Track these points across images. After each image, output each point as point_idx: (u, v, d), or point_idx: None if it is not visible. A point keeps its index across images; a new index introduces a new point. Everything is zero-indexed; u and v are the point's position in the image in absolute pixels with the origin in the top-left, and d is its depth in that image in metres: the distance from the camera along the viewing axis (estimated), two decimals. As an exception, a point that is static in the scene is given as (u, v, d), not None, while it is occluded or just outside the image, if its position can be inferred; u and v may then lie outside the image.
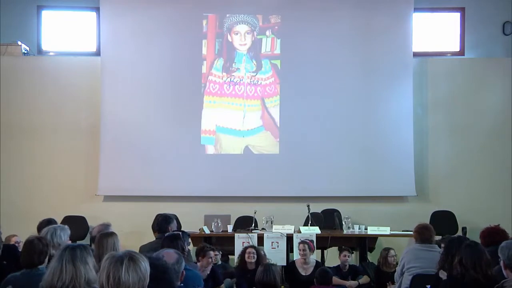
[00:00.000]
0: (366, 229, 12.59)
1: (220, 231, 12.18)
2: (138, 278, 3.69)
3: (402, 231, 12.33)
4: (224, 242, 12.04)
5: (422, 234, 9.04)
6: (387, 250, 11.37)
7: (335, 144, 14.09)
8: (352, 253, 12.09)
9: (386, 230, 12.35)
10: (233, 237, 11.89)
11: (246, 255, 10.42)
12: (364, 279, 10.91)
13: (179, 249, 6.80)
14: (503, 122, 14.04)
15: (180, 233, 7.98)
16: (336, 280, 10.15)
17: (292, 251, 11.56)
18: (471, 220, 13.06)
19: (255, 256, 10.18)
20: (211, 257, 9.59)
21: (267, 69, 14.18)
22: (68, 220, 11.28)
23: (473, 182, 14.19)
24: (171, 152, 14.12)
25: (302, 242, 10.71)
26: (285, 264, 11.06)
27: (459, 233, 12.76)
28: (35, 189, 13.78)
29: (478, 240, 8.19)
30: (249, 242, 11.33)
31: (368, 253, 12.65)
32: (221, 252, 11.66)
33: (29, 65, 14.32)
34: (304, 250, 10.42)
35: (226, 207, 13.28)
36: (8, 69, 14.06)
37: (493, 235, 8.64)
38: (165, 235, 7.95)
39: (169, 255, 5.49)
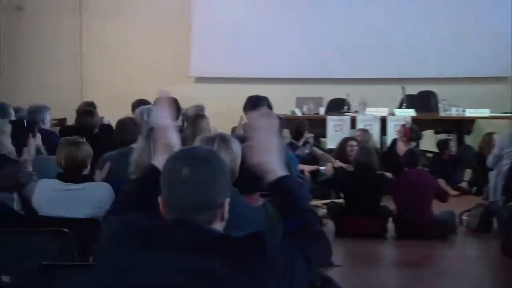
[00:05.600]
0: (463, 111, 12.64)
1: (312, 113, 12.37)
2: (230, 158, 3.61)
3: (502, 113, 12.26)
4: (315, 125, 12.06)
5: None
6: (490, 134, 11.28)
7: (429, 25, 13.95)
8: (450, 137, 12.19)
9: (485, 112, 12.48)
10: (325, 120, 12.05)
11: (348, 148, 10.50)
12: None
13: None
14: None
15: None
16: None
17: (385, 134, 11.77)
18: None
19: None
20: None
21: None
22: (161, 101, 11.54)
23: None
24: (265, 33, 14.06)
25: (403, 125, 10.86)
26: (378, 146, 11.25)
27: None
28: (127, 72, 14.16)
29: None
30: (341, 126, 11.49)
31: (466, 136, 12.73)
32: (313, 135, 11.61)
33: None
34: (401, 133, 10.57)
35: (318, 89, 13.43)
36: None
37: None
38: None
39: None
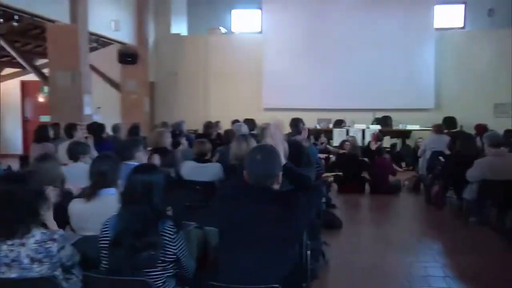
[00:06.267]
0: (405, 126, 12.51)
1: (325, 127, 12.57)
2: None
3: (426, 127, 11.67)
4: (327, 133, 11.94)
5: (437, 127, 9.16)
6: (419, 139, 11.24)
7: (385, 72, 12.99)
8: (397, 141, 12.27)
9: (417, 127, 12.31)
10: (332, 131, 12.19)
11: (345, 145, 10.30)
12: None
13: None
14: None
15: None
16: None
17: (364, 138, 11.77)
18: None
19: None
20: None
21: None
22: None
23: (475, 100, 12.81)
24: (301, 80, 13.28)
25: (374, 133, 10.79)
26: (361, 144, 11.23)
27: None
28: (227, 104, 13.66)
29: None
30: (341, 133, 11.33)
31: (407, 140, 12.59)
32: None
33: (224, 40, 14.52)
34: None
35: (328, 114, 12.84)
36: (213, 43, 14.39)
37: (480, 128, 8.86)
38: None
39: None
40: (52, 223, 2.94)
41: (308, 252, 3.47)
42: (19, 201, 2.59)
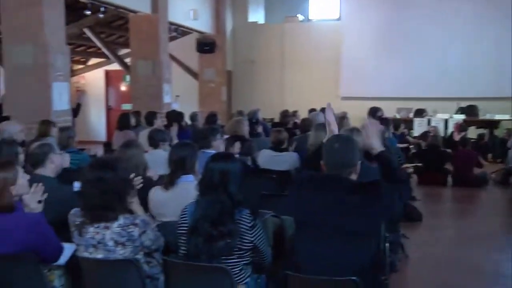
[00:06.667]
0: (493, 116, 11.77)
1: (405, 117, 12.15)
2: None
3: None
4: (407, 123, 11.58)
5: None
6: (509, 129, 10.72)
7: (473, 58, 12.45)
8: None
9: (506, 116, 11.51)
10: (412, 120, 11.77)
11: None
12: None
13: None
14: None
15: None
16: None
17: (447, 128, 11.26)
18: None
19: None
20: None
21: None
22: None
23: None
24: (380, 68, 13.09)
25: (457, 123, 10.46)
26: (443, 135, 10.84)
27: None
28: (303, 93, 13.59)
29: None
30: (422, 123, 10.93)
31: (495, 130, 11.83)
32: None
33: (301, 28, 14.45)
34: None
35: (409, 104, 12.46)
36: (290, 31, 14.32)
37: None
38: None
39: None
40: (139, 209, 3.03)
41: (387, 244, 3.41)
42: (110, 188, 2.68)
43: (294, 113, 9.78)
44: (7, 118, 6.24)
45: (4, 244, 2.69)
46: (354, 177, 2.63)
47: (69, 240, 2.88)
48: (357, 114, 8.90)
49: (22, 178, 2.89)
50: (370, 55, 13.30)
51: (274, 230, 3.40)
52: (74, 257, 2.87)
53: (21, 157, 4.01)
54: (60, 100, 6.97)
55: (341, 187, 2.53)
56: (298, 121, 8.97)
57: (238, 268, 2.74)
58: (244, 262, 2.78)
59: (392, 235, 3.83)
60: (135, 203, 3.02)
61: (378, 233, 2.90)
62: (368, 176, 2.72)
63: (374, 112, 8.05)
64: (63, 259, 2.91)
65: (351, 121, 6.69)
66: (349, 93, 13.15)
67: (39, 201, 2.94)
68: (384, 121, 6.94)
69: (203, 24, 12.65)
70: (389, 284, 3.29)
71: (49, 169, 3.63)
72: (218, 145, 4.88)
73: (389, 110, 11.21)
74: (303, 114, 9.42)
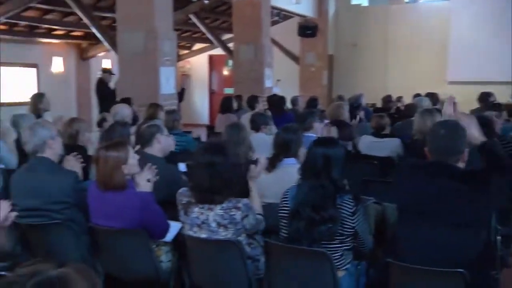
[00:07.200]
0: None
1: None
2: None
3: None
4: None
5: None
6: None
7: None
8: None
9: None
10: None
11: None
12: None
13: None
14: None
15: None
16: None
17: None
18: None
19: None
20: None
21: None
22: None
23: None
24: (488, 53, 12.37)
25: None
26: None
27: None
28: (408, 77, 13.07)
29: None
30: None
31: None
32: None
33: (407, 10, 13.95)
34: None
35: None
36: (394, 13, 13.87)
37: None
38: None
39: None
40: (256, 200, 3.08)
41: (498, 237, 3.24)
42: (219, 173, 2.74)
43: (399, 99, 9.50)
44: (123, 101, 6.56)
45: (118, 220, 2.90)
46: (461, 165, 2.54)
47: (174, 218, 3.01)
48: (466, 100, 8.50)
49: (133, 158, 3.03)
50: (482, 35, 12.63)
51: (375, 217, 3.34)
52: (180, 235, 3.01)
53: (132, 138, 4.17)
54: (167, 84, 7.23)
55: (448, 175, 2.46)
56: (402, 106, 8.66)
57: (339, 254, 2.73)
58: (345, 247, 2.75)
59: (505, 228, 3.63)
60: (253, 192, 3.11)
61: (487, 225, 2.81)
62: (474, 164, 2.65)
63: (485, 97, 7.63)
64: (169, 236, 3.07)
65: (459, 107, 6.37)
66: (458, 77, 12.59)
67: (148, 180, 3.06)
68: (496, 107, 6.56)
69: (305, 7, 12.58)
70: (499, 279, 3.13)
71: (156, 148, 3.77)
72: (317, 127, 4.86)
73: (503, 95, 10.55)
74: (407, 100, 9.07)
